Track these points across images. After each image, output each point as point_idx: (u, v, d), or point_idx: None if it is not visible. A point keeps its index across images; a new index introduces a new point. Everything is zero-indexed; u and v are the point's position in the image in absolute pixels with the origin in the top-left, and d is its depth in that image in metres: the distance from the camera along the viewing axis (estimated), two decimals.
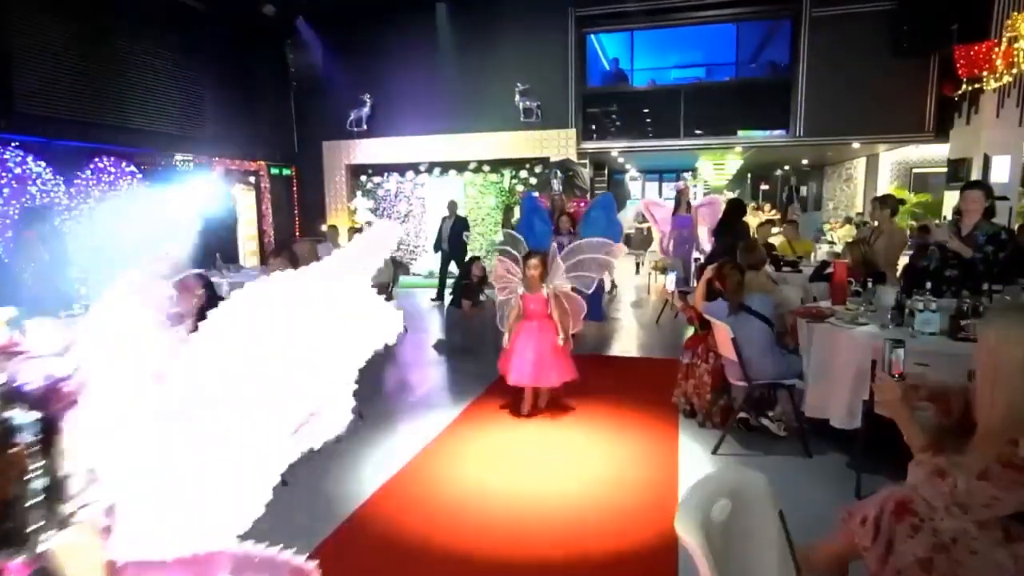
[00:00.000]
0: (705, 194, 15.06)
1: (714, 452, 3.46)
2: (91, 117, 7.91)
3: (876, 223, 5.00)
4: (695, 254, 8.61)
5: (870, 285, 3.91)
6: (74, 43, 7.63)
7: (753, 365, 3.35)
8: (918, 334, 3.01)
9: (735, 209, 6.36)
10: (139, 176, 8.45)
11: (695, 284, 6.82)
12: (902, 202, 5.47)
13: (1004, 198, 6.16)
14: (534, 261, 4.10)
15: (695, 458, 3.44)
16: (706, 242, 9.23)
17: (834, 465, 3.30)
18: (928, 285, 3.72)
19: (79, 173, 7.63)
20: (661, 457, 3.47)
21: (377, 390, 4.94)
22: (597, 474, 3.29)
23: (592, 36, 11.53)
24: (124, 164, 8.28)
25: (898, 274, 4.79)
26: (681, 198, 8.46)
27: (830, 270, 4.97)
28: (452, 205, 9.37)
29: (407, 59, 10.76)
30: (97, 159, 7.90)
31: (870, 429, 2.94)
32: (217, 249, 9.14)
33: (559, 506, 2.97)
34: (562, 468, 3.38)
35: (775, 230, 8.26)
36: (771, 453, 3.47)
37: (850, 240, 4.97)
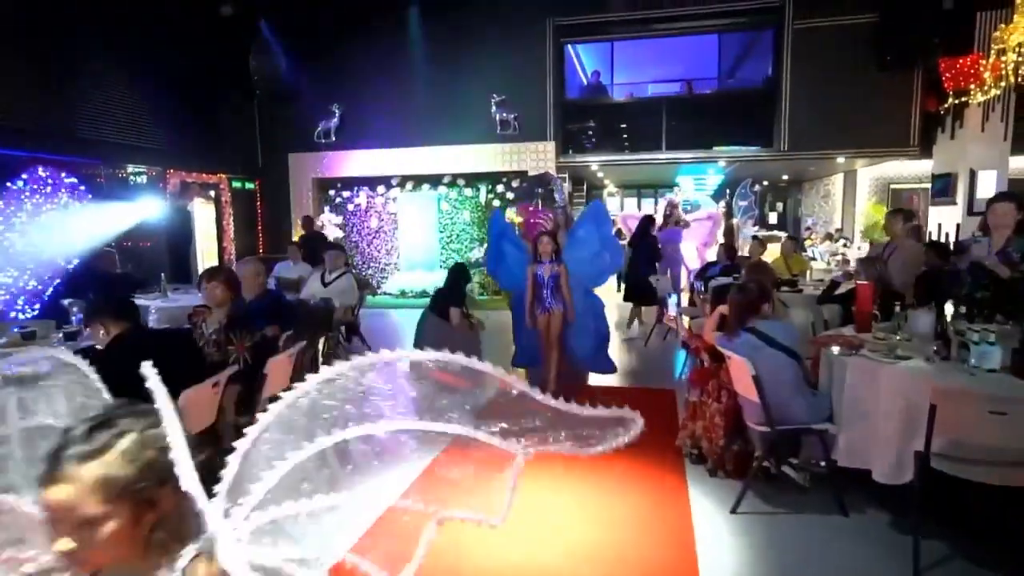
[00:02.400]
0: (686, 211, 14.78)
1: (733, 511, 2.92)
2: (26, 123, 7.20)
3: (889, 238, 4.61)
4: (684, 271, 8.23)
5: (897, 309, 3.47)
6: (8, 40, 6.93)
7: (779, 407, 2.84)
8: (977, 371, 2.55)
9: (647, 223, 7.55)
10: (81, 188, 7.71)
11: (694, 305, 6.56)
12: (914, 215, 5.12)
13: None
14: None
15: (711, 519, 2.89)
16: (695, 259, 8.86)
17: (877, 527, 2.78)
18: (962, 309, 3.31)
19: (9, 184, 6.89)
20: (671, 519, 2.91)
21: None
22: (593, 544, 2.71)
23: (570, 48, 11.19)
24: (64, 175, 7.54)
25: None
26: (672, 212, 8.08)
27: (841, 290, 4.56)
28: (306, 221, 8.87)
29: (378, 68, 10.26)
30: (32, 169, 7.16)
31: (926, 486, 2.45)
32: (170, 267, 8.44)
33: None
34: (550, 538, 2.77)
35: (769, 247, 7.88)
36: (800, 510, 2.95)
37: (864, 257, 4.55)
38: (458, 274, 5.11)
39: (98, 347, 2.69)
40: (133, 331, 2.67)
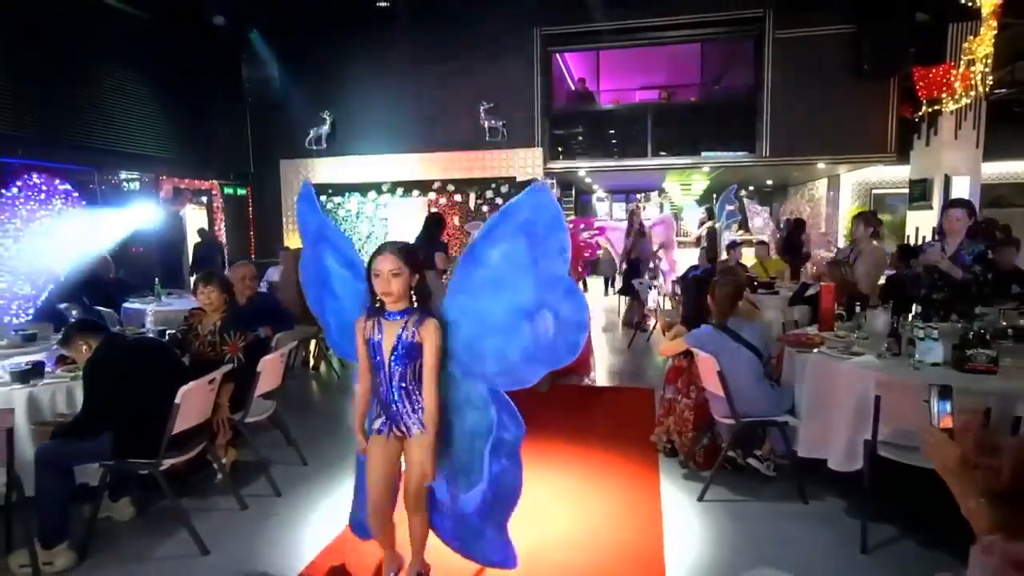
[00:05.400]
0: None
1: (700, 499, 3.11)
2: (20, 130, 7.32)
3: (854, 242, 4.82)
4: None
5: (858, 309, 3.67)
6: (2, 49, 7.06)
7: (742, 400, 3.03)
8: (920, 365, 2.74)
9: (434, 223, 6.10)
10: (75, 195, 7.82)
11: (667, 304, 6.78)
12: (880, 222, 5.33)
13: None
14: None
15: (680, 507, 3.07)
16: (664, 262, 9.13)
17: (834, 512, 2.98)
18: (918, 309, 3.52)
19: (3, 191, 7.00)
20: (641, 507, 3.09)
21: (326, 427, 4.45)
22: (567, 531, 2.88)
23: (558, 56, 11.41)
24: (58, 182, 7.65)
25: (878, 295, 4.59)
26: (633, 219, 8.31)
27: (810, 292, 4.76)
28: (202, 232, 9.14)
29: (368, 76, 10.44)
30: (26, 176, 7.28)
31: (875, 472, 2.64)
32: (163, 272, 8.55)
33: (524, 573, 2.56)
34: (526, 525, 2.93)
35: (746, 251, 8.14)
36: (762, 498, 3.14)
37: (831, 260, 4.76)
38: (430, 224, 5.24)
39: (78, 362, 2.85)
40: (111, 336, 2.86)
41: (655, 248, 8.91)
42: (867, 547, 2.59)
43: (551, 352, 2.10)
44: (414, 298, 2.18)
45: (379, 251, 2.13)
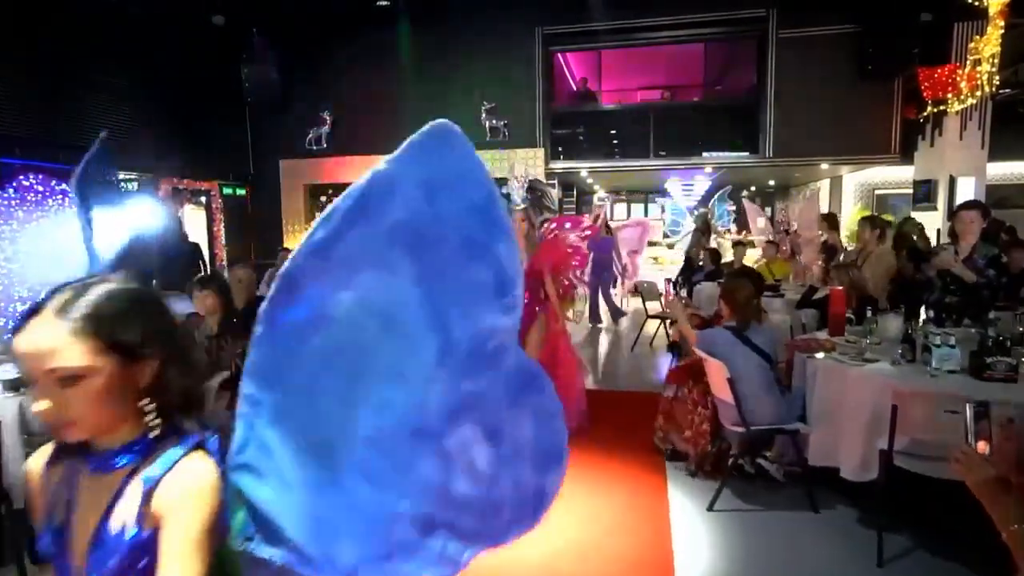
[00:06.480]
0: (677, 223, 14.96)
1: (710, 508, 3.03)
2: (16, 130, 7.25)
3: (862, 245, 4.75)
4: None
5: (869, 314, 3.60)
6: (1, 49, 6.99)
7: (752, 407, 2.95)
8: (938, 372, 2.67)
9: None
10: (72, 195, 7.75)
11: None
12: (888, 224, 5.27)
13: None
14: None
15: (689, 517, 2.99)
16: (631, 266, 9.09)
17: (846, 522, 2.90)
18: (929, 313, 3.46)
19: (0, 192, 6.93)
20: (650, 517, 3.01)
21: None
22: (575, 541, 2.80)
23: (560, 56, 11.35)
24: (55, 182, 7.57)
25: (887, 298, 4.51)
26: (600, 220, 8.25)
27: (819, 295, 4.69)
28: (175, 236, 8.92)
29: (369, 76, 10.37)
30: (22, 176, 7.19)
31: (890, 482, 2.57)
32: (161, 274, 8.48)
33: None
34: (534, 534, 2.87)
35: (750, 251, 8.07)
36: (773, 507, 3.06)
37: (838, 264, 4.69)
38: None
39: None
40: None
41: (626, 251, 8.87)
42: (883, 560, 2.52)
43: (483, 517, 1.06)
44: (151, 415, 0.88)
45: (24, 318, 0.81)
